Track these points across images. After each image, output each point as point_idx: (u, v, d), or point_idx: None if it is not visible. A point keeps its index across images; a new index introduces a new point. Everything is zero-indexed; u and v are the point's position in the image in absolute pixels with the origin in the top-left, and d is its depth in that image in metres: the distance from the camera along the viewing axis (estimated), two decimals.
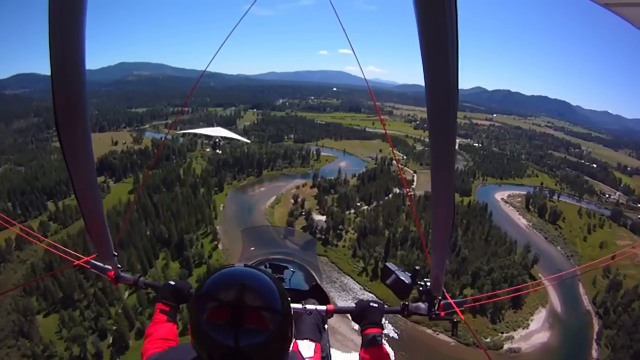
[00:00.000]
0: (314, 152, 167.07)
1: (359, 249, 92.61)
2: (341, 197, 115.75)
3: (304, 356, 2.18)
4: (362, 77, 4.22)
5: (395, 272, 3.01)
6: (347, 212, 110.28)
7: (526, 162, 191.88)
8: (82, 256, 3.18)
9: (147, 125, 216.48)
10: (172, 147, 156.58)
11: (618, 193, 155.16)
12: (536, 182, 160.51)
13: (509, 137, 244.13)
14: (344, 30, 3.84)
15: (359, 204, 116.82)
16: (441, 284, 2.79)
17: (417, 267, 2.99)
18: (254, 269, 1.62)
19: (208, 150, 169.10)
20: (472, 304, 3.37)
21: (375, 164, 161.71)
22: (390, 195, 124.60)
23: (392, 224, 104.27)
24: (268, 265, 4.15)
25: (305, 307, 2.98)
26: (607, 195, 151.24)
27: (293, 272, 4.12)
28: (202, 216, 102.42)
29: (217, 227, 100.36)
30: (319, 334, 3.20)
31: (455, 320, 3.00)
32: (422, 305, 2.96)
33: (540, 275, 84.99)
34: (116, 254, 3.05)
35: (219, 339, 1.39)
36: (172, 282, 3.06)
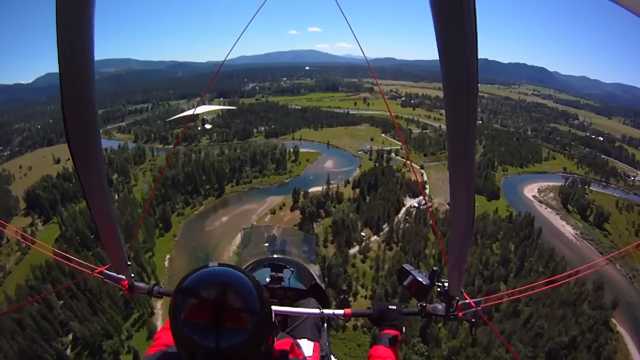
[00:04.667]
0: (291, 151, 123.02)
1: None
2: (337, 227, 75.02)
3: (304, 355, 2.11)
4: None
5: (413, 273, 2.80)
6: (350, 251, 70.13)
7: (535, 139, 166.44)
8: (95, 267, 2.96)
9: (100, 131, 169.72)
10: (116, 161, 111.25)
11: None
12: (557, 167, 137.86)
13: (504, 110, 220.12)
14: (340, 9, 3.55)
15: (363, 233, 76.37)
16: (459, 284, 2.63)
17: (434, 268, 2.79)
18: (230, 267, 1.52)
19: (158, 156, 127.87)
20: (491, 303, 3.25)
21: (370, 158, 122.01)
22: (404, 211, 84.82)
23: (420, 267, 65.11)
24: (267, 265, 3.73)
25: (322, 312, 2.83)
26: (632, 178, 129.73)
27: (292, 271, 3.71)
28: (137, 300, 61.41)
29: (158, 309, 59.76)
30: (317, 334, 3.01)
31: (473, 320, 2.82)
32: (440, 307, 2.79)
33: (614, 320, 64.23)
34: (129, 263, 2.91)
35: (200, 340, 1.31)
36: None
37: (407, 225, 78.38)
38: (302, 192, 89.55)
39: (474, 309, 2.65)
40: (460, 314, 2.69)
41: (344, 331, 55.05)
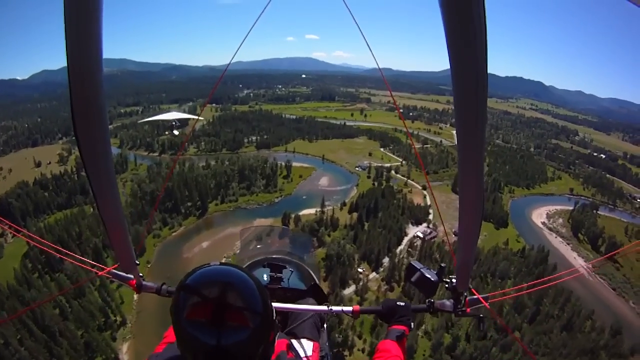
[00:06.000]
0: (283, 165, 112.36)
1: None
2: (331, 261, 64.66)
3: (302, 355, 2.13)
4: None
5: (421, 269, 2.81)
6: (345, 292, 59.94)
7: (539, 157, 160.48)
8: (104, 267, 2.91)
9: (109, 129, 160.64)
10: None
11: None
12: (563, 188, 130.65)
13: (504, 124, 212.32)
14: (354, 19, 3.47)
15: (360, 269, 66.15)
16: (467, 280, 2.61)
17: (442, 265, 2.82)
18: (231, 266, 1.52)
19: (141, 164, 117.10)
20: (499, 298, 3.07)
21: (368, 176, 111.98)
22: (406, 242, 74.93)
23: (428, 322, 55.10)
24: (266, 265, 3.69)
25: (330, 309, 2.79)
26: (638, 200, 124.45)
27: (291, 271, 3.68)
28: (97, 344, 50.42)
29: (123, 353, 49.80)
30: (317, 333, 3.03)
31: (481, 315, 2.76)
32: (448, 303, 2.75)
33: None
34: (138, 262, 2.89)
35: (202, 338, 1.30)
36: None
37: (410, 259, 68.46)
38: (292, 216, 79.28)
39: (482, 305, 2.61)
40: (468, 309, 2.65)
41: None
